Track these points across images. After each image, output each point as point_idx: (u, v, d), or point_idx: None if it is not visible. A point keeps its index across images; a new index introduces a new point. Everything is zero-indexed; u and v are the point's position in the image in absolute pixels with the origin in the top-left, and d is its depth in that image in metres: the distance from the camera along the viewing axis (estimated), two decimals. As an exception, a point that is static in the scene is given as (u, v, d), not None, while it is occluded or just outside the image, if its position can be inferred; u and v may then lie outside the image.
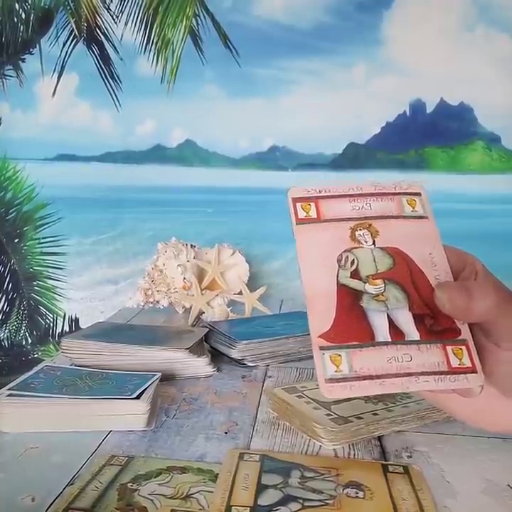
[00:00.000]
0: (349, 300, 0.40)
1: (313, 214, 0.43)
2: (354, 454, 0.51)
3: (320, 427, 0.52)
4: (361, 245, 0.42)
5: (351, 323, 0.39)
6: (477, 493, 0.45)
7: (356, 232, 0.42)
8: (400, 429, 0.55)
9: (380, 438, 0.54)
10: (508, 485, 0.46)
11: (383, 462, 0.49)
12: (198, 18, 1.26)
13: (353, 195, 0.44)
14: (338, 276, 0.40)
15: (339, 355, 0.37)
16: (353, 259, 0.41)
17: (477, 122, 1.26)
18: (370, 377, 0.37)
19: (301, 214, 0.43)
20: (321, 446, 0.52)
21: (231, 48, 1.26)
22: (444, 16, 1.24)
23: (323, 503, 0.41)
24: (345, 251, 0.41)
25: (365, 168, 1.30)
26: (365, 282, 0.40)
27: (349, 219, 0.43)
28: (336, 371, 0.37)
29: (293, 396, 0.59)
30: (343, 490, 0.43)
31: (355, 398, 0.58)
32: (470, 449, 0.52)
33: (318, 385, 0.37)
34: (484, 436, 0.53)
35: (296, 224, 0.43)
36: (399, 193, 0.44)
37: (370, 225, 0.43)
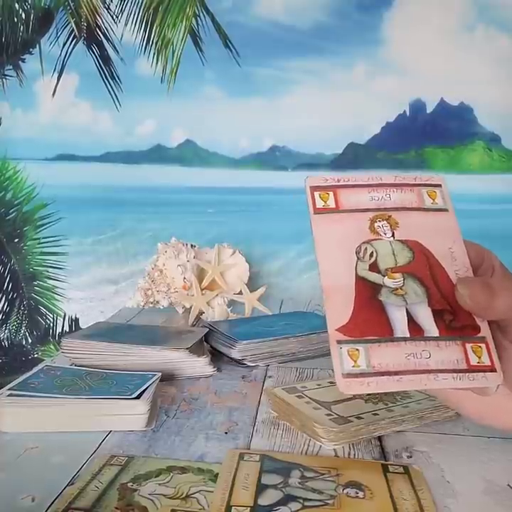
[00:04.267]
0: (367, 293, 0.38)
1: (331, 204, 0.41)
2: (354, 454, 0.51)
3: (320, 427, 0.52)
4: (380, 237, 0.40)
5: (370, 317, 0.37)
6: (477, 493, 0.45)
7: (375, 224, 0.41)
8: (399, 429, 0.55)
9: (380, 438, 0.54)
10: (508, 485, 0.46)
11: (383, 462, 0.49)
12: (198, 18, 1.26)
13: (373, 185, 0.42)
14: (356, 268, 0.39)
15: (357, 350, 0.36)
16: (372, 252, 0.40)
17: (477, 122, 1.26)
18: (388, 374, 0.36)
19: (319, 203, 0.41)
20: (321, 446, 0.52)
21: (231, 47, 1.26)
22: (444, 16, 1.24)
23: (323, 503, 0.41)
24: (363, 242, 0.40)
25: (365, 168, 1.30)
26: (383, 275, 0.39)
27: (368, 210, 0.41)
28: (353, 366, 0.36)
29: (293, 396, 0.59)
30: (343, 490, 0.43)
31: (355, 398, 0.58)
32: (470, 449, 0.52)
33: (335, 380, 0.35)
34: (484, 436, 0.53)
35: (314, 213, 0.41)
36: (419, 185, 0.43)
37: (389, 216, 0.41)
